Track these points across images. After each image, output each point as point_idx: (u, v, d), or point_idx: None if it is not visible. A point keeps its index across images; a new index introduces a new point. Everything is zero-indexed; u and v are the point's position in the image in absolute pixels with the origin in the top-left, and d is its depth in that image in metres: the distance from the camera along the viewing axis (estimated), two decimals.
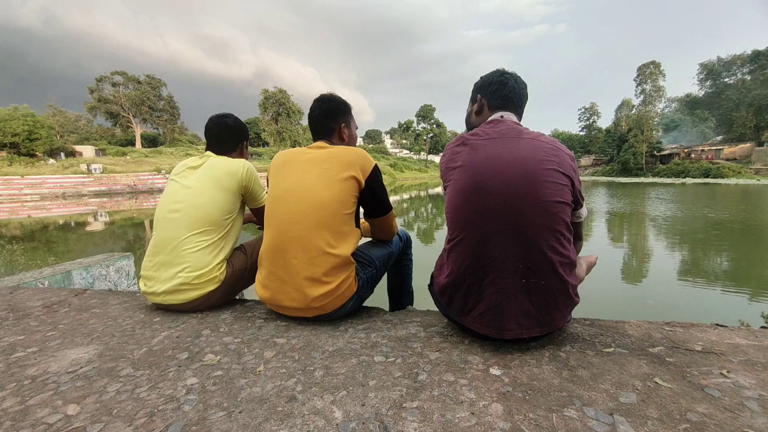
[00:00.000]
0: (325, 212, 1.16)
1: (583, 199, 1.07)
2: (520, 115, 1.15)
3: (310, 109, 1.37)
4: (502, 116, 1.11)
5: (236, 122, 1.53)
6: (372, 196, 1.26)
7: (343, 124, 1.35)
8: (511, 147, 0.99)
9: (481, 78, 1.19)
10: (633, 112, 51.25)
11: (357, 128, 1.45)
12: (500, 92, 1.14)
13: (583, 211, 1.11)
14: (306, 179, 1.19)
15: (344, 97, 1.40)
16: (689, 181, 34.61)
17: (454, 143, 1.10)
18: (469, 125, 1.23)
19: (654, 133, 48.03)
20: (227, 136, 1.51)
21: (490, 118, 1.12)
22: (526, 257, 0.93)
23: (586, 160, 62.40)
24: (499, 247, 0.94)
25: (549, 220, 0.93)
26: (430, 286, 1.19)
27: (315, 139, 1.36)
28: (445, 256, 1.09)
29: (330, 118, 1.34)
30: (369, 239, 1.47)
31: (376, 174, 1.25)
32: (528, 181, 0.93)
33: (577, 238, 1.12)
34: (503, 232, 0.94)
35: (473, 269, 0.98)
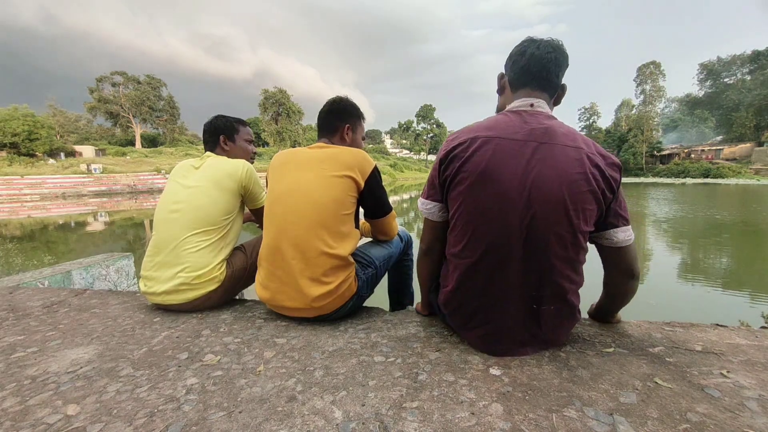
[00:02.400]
0: (323, 213, 1.15)
1: (623, 218, 0.92)
2: (552, 93, 0.95)
3: (322, 107, 1.38)
4: (532, 105, 0.92)
5: (212, 120, 1.55)
6: (371, 197, 1.26)
7: (348, 126, 1.35)
8: (541, 158, 0.84)
9: (509, 55, 0.99)
10: (633, 112, 51.29)
11: (365, 139, 1.43)
12: (519, 64, 0.93)
13: (620, 234, 0.91)
14: (304, 179, 1.19)
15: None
16: (689, 181, 34.62)
17: (473, 133, 0.90)
18: (498, 110, 1.06)
19: (654, 133, 48.06)
20: (206, 135, 1.54)
21: (518, 106, 0.93)
22: (541, 286, 0.89)
23: None
24: (516, 274, 0.88)
25: (572, 251, 0.87)
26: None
27: (318, 137, 1.37)
28: (450, 267, 0.99)
29: (335, 116, 1.34)
30: (369, 239, 1.47)
31: (375, 175, 1.24)
32: (558, 209, 0.83)
33: (623, 273, 0.96)
34: (522, 260, 0.87)
35: (485, 293, 0.92)
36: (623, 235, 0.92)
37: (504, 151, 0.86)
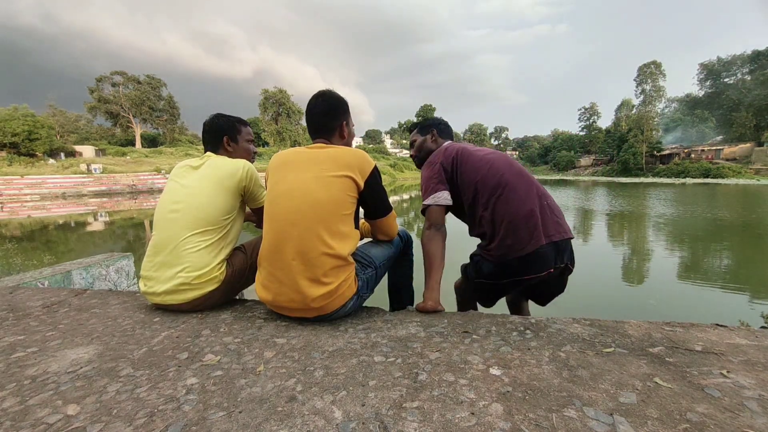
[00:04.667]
0: (323, 213, 1.15)
1: None
2: None
3: (309, 105, 1.33)
4: (458, 141, 1.69)
5: (213, 120, 1.53)
6: (371, 197, 1.25)
7: (344, 122, 1.34)
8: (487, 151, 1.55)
9: (432, 119, 1.78)
10: (633, 112, 51.29)
11: (354, 125, 1.44)
12: (448, 130, 1.75)
13: None
14: (303, 180, 1.18)
15: (345, 96, 1.38)
16: (689, 181, 34.62)
17: (454, 147, 1.54)
18: (427, 149, 1.69)
19: (654, 133, 48.03)
20: (207, 135, 1.52)
21: (446, 143, 1.62)
22: (538, 189, 1.44)
23: (586, 160, 62.45)
24: (527, 188, 1.41)
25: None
26: (473, 264, 1.51)
27: (313, 137, 1.35)
28: (486, 221, 1.41)
29: (330, 117, 1.31)
30: (369, 239, 1.47)
31: (375, 175, 1.24)
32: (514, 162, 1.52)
33: None
34: (524, 182, 1.42)
35: (525, 206, 1.36)
36: None
37: (473, 148, 1.55)
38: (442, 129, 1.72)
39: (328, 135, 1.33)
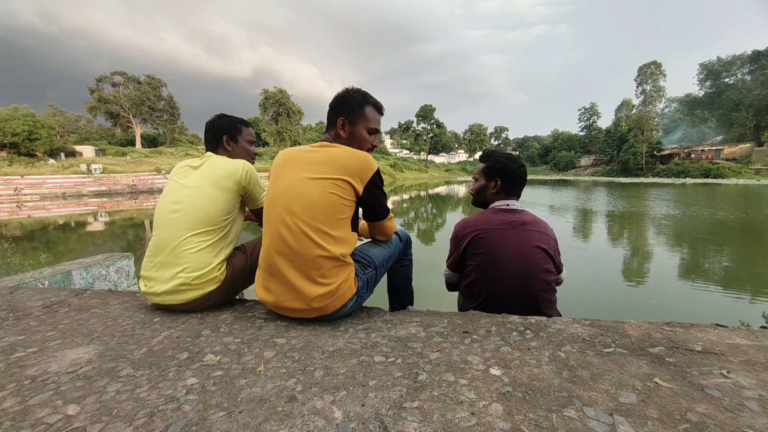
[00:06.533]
0: (317, 215, 1.14)
1: None
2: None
3: None
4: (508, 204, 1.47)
5: (215, 120, 1.54)
6: (371, 201, 1.24)
7: (343, 119, 1.30)
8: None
9: (504, 163, 1.49)
10: (633, 112, 51.32)
11: (373, 132, 1.35)
12: (512, 186, 1.49)
13: None
14: (300, 180, 1.17)
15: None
16: (689, 181, 34.64)
17: (491, 247, 1.41)
18: (484, 197, 1.54)
19: (654, 133, 48.05)
20: (208, 134, 1.54)
21: (501, 207, 1.47)
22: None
23: (586, 161, 62.53)
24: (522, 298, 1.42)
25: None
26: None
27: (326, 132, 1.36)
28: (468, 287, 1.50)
29: (332, 110, 1.32)
30: (369, 240, 1.46)
31: (375, 180, 1.22)
32: None
33: None
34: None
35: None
36: None
37: (511, 246, 1.43)
38: (509, 182, 1.46)
39: (329, 129, 1.34)
